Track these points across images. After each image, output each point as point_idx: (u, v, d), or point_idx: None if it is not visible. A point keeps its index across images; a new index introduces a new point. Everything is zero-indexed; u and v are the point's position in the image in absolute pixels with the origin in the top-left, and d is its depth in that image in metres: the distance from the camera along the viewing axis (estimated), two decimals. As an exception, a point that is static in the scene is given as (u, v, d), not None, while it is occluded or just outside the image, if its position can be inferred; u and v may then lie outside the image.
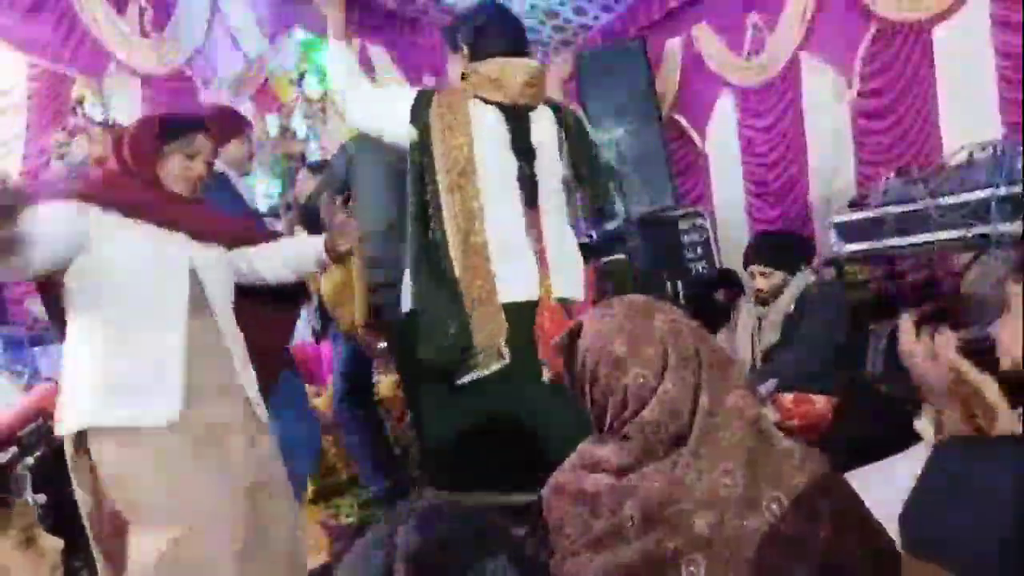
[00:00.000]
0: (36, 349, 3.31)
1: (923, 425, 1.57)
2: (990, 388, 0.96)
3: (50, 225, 1.65)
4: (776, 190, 5.25)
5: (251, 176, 4.76)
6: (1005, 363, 1.06)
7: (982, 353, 1.02)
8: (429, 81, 5.21)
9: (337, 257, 2.00)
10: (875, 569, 1.02)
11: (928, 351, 1.02)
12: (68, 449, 1.73)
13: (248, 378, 1.90)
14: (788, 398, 2.68)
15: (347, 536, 3.02)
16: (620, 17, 5.76)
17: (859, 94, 4.65)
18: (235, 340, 1.88)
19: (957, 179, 3.07)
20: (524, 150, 2.01)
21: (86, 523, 1.76)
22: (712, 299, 4.27)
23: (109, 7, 4.08)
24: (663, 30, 5.65)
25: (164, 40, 4.34)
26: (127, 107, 4.24)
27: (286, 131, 5.16)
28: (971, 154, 3.08)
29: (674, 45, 5.63)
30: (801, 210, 5.13)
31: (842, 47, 4.70)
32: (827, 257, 3.90)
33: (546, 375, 1.92)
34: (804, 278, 2.94)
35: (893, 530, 0.99)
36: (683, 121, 5.74)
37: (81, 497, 1.74)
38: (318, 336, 3.42)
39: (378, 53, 5.21)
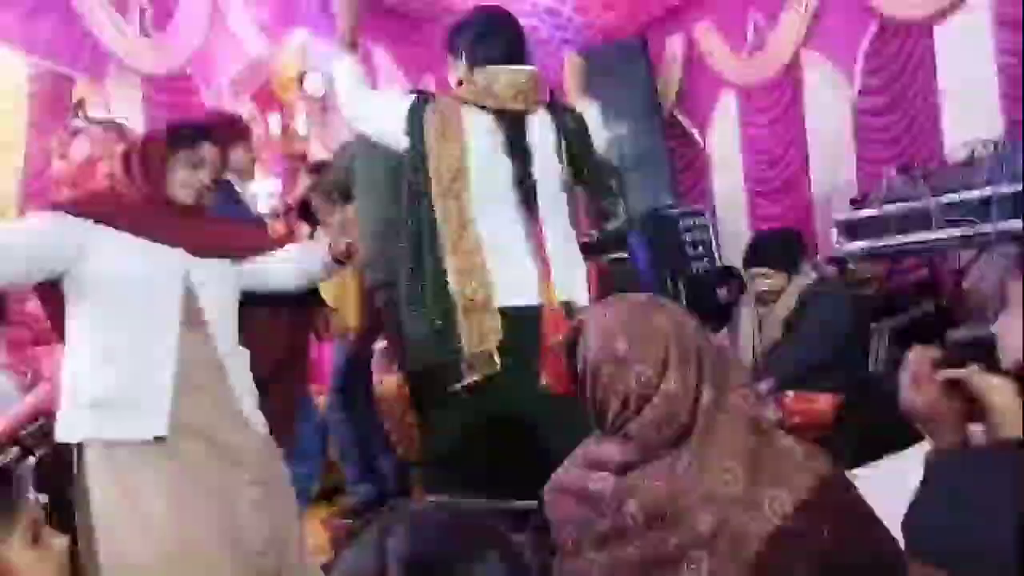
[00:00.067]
0: (38, 349, 3.32)
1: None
2: (999, 391, 0.96)
3: (34, 235, 1.67)
4: (777, 188, 5.25)
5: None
6: (1006, 362, 1.06)
7: (978, 356, 1.02)
8: (430, 81, 5.21)
9: (342, 261, 1.99)
10: (877, 568, 1.02)
11: (911, 377, 1.02)
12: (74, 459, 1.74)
13: (246, 395, 1.85)
14: (790, 397, 2.68)
15: (349, 535, 3.03)
16: (621, 15, 5.76)
17: (860, 92, 4.65)
18: (233, 356, 1.84)
19: (958, 177, 3.07)
20: (520, 154, 2.01)
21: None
22: (714, 297, 4.27)
23: (110, 7, 4.08)
24: (664, 29, 5.65)
25: (165, 40, 4.34)
26: (128, 108, 4.24)
27: (287, 130, 5.16)
28: (973, 152, 3.08)
29: (675, 43, 5.63)
30: (802, 208, 5.13)
31: (843, 45, 4.70)
32: (829, 255, 3.90)
33: (544, 379, 1.92)
34: (805, 277, 2.94)
35: (896, 529, 0.99)
36: (684, 120, 5.74)
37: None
38: (319, 335, 3.42)
39: (379, 53, 5.21)
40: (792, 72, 5.04)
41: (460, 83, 2.09)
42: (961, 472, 0.91)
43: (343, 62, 2.11)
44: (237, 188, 2.79)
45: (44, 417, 2.41)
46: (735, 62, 5.31)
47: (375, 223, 2.59)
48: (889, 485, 1.17)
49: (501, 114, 2.02)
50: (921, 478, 0.96)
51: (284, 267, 1.98)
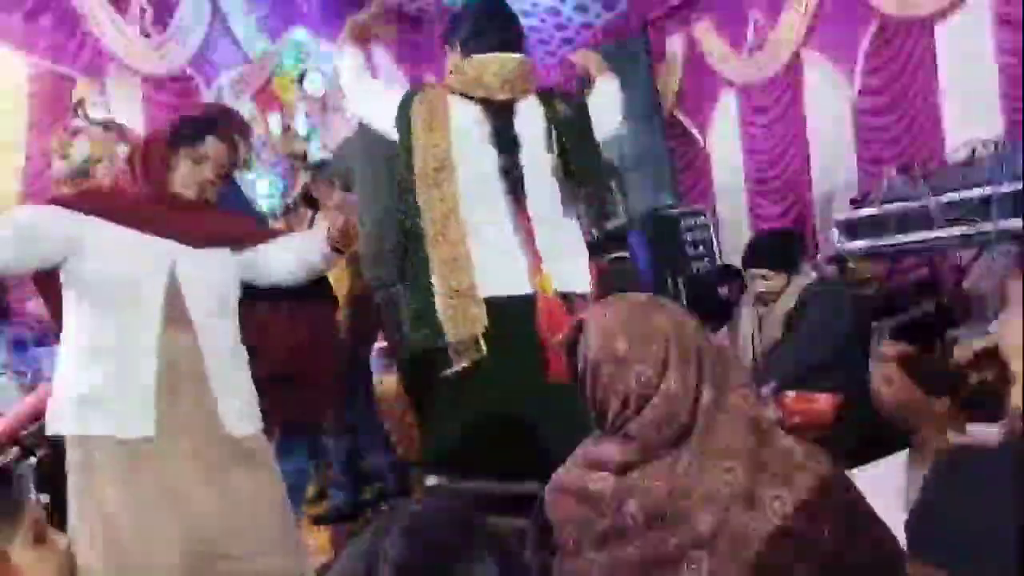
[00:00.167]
0: (40, 350, 3.32)
1: None
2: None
3: (24, 222, 1.67)
4: (778, 188, 5.25)
5: (254, 175, 4.77)
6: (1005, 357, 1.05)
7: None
8: (430, 80, 5.21)
9: (340, 250, 1.96)
10: (878, 568, 1.02)
11: (882, 375, 1.02)
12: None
13: (228, 396, 1.78)
14: (790, 396, 2.68)
15: (349, 536, 3.03)
16: (621, 15, 5.76)
17: (861, 91, 4.65)
18: (218, 355, 1.78)
19: (959, 176, 3.07)
20: (507, 143, 2.01)
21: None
22: (715, 297, 4.27)
23: (110, 7, 4.08)
24: (664, 28, 5.65)
25: (165, 40, 4.34)
26: (128, 108, 4.25)
27: (288, 130, 5.17)
28: (973, 151, 3.08)
29: (675, 43, 5.63)
30: (803, 208, 5.13)
31: (844, 44, 4.70)
32: (829, 255, 3.90)
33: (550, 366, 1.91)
34: (805, 277, 2.94)
35: (897, 528, 0.99)
36: (684, 119, 5.74)
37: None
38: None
39: (379, 52, 5.21)
40: (792, 72, 5.05)
41: (450, 74, 2.09)
42: (964, 471, 0.90)
43: (347, 55, 2.13)
44: (239, 182, 2.79)
45: (44, 418, 2.41)
46: (735, 62, 5.32)
47: (374, 223, 2.59)
48: (889, 485, 1.18)
49: (488, 103, 2.02)
50: (923, 477, 0.96)
51: (285, 256, 1.95)
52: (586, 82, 2.36)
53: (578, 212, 2.18)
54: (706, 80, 5.55)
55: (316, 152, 5.02)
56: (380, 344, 3.53)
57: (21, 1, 3.82)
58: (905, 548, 0.94)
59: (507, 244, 2.00)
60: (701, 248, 5.10)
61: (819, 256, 4.38)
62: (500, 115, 2.02)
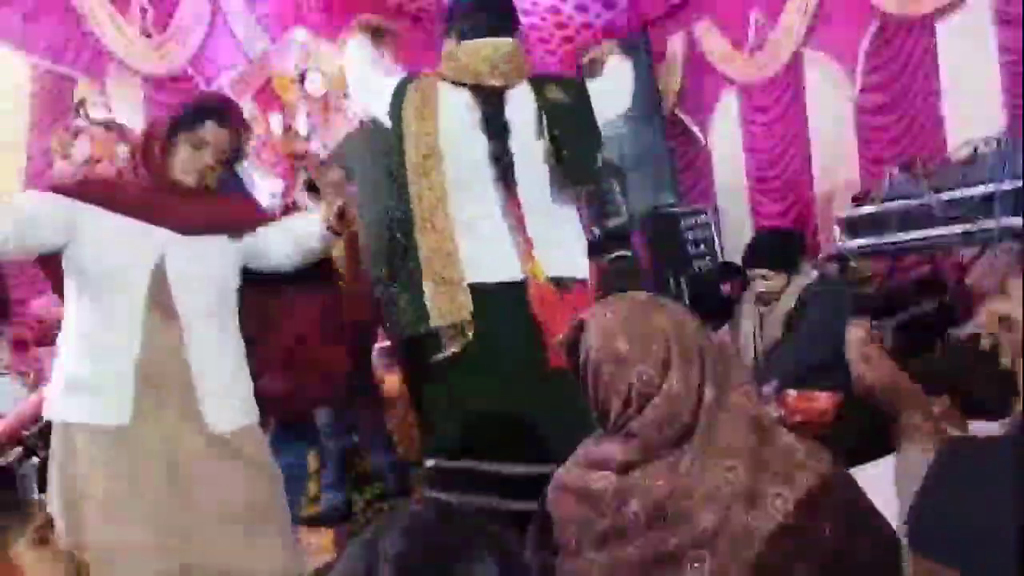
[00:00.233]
0: (41, 350, 3.32)
1: None
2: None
3: (19, 206, 1.67)
4: (779, 186, 5.25)
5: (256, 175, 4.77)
6: (984, 343, 1.06)
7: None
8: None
9: (338, 232, 1.91)
10: (880, 565, 1.02)
11: (860, 355, 1.02)
12: None
13: (211, 391, 1.73)
14: (791, 395, 2.68)
15: (351, 535, 3.03)
16: (621, 14, 5.76)
17: (862, 89, 4.65)
18: (203, 346, 1.74)
19: (960, 174, 3.06)
20: (497, 130, 2.00)
21: None
22: (716, 295, 4.27)
23: (110, 7, 4.08)
24: (665, 27, 5.65)
25: (165, 40, 4.35)
26: (128, 108, 4.25)
27: (288, 130, 5.17)
28: (975, 149, 3.08)
29: (676, 42, 5.63)
30: (804, 207, 5.13)
31: (845, 42, 4.69)
32: (830, 253, 3.90)
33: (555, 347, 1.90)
34: (806, 276, 2.93)
35: (898, 526, 0.99)
36: (685, 118, 5.73)
37: None
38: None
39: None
40: (793, 71, 5.04)
41: (444, 61, 2.09)
42: (966, 464, 0.91)
43: (354, 44, 2.14)
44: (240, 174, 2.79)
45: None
46: (736, 61, 5.31)
47: (373, 221, 2.58)
48: (889, 483, 1.17)
49: (479, 90, 2.02)
50: (925, 473, 0.96)
51: (283, 239, 1.91)
52: (588, 70, 2.36)
53: (576, 196, 2.17)
54: (707, 79, 5.55)
55: (317, 151, 5.03)
56: (380, 344, 3.53)
57: (21, 1, 3.83)
58: (907, 543, 0.94)
59: (497, 231, 1.99)
60: (702, 247, 5.10)
61: (820, 255, 4.38)
62: (490, 101, 2.02)
